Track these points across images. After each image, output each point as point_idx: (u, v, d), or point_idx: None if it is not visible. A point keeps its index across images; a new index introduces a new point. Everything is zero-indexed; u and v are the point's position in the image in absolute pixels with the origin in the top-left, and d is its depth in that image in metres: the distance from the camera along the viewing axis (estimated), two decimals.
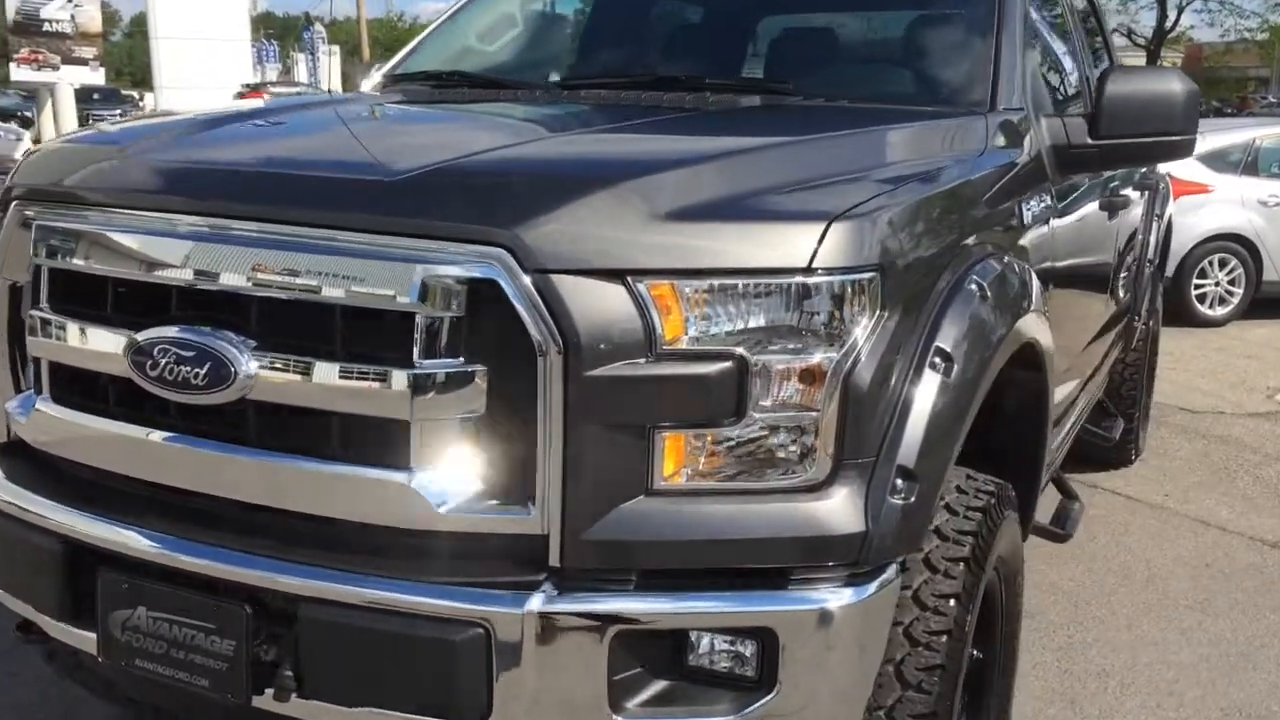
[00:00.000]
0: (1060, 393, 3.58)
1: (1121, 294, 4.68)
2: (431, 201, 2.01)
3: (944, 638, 2.23)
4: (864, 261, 2.03)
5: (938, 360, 2.15)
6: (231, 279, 2.05)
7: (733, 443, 2.00)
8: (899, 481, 2.06)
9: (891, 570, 2.10)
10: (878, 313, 2.06)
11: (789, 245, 1.98)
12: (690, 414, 1.96)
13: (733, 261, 1.97)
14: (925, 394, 2.12)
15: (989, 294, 2.34)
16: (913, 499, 2.06)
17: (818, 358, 2.00)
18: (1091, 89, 3.51)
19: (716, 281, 1.96)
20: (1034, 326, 2.70)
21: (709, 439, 1.99)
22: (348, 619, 1.95)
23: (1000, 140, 2.91)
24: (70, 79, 28.36)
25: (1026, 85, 3.16)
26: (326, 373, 1.98)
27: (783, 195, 2.10)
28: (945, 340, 2.18)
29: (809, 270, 1.98)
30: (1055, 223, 3.11)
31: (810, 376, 2.01)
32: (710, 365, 1.95)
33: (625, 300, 1.92)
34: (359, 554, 2.01)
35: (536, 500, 1.95)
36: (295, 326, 2.03)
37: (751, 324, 1.98)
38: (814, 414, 2.01)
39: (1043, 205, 2.94)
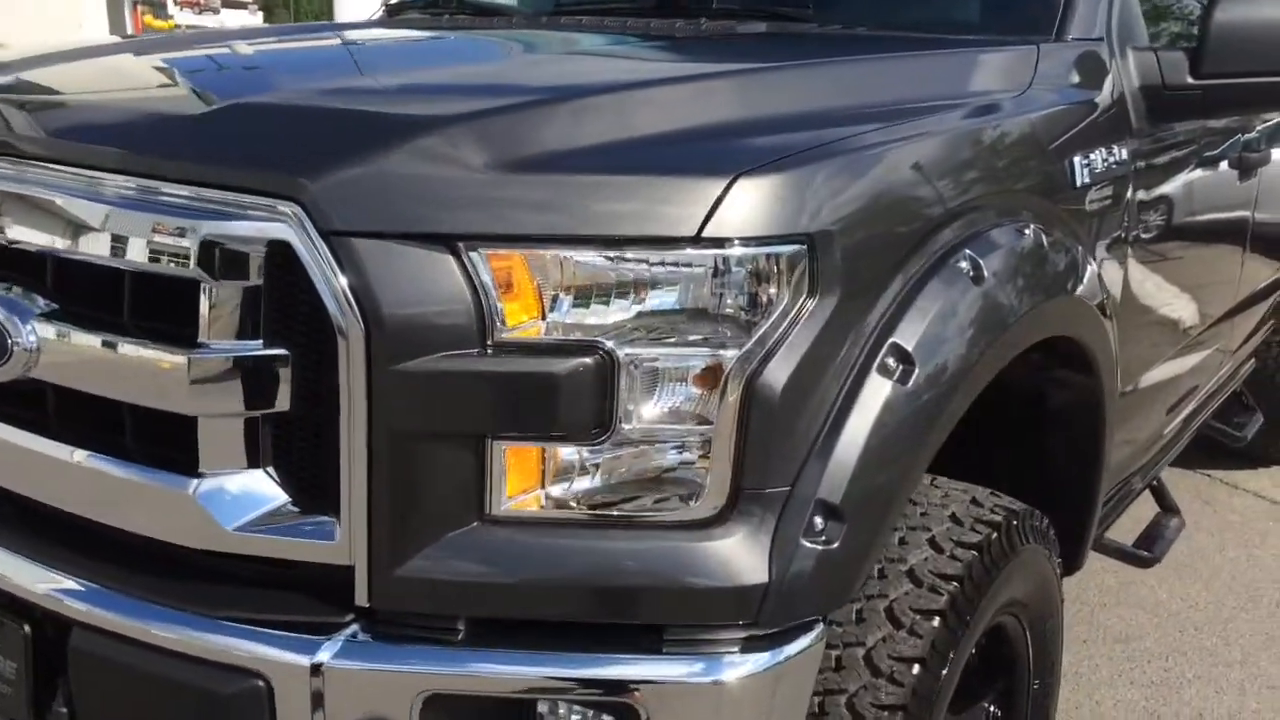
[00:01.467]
0: (1156, 375, 2.97)
1: (1264, 268, 3.95)
2: (221, 143, 1.61)
3: (899, 715, 1.74)
4: (783, 230, 1.54)
5: (892, 362, 1.64)
6: (17, 231, 1.70)
7: (597, 462, 1.55)
8: (818, 520, 1.57)
9: (811, 634, 1.61)
10: (804, 298, 1.57)
11: (674, 207, 1.50)
12: (539, 423, 1.51)
13: (600, 227, 1.50)
14: (869, 407, 1.61)
15: (990, 275, 1.80)
16: (836, 544, 1.57)
17: (712, 356, 1.53)
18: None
19: (577, 253, 1.50)
20: (1078, 316, 2.13)
21: (565, 456, 1.54)
22: (114, 653, 1.60)
23: (1056, 78, 2.32)
24: (230, 21, 29.09)
25: (1111, 9, 2.54)
26: (105, 351, 1.61)
27: (684, 142, 1.61)
28: (907, 336, 1.66)
29: (698, 240, 1.50)
30: (1138, 183, 2.49)
31: (702, 380, 1.54)
32: (566, 361, 1.50)
33: (453, 274, 1.49)
34: (146, 575, 1.65)
35: (341, 523, 1.54)
36: (83, 294, 1.67)
37: (623, 310, 1.52)
38: (706, 429, 1.54)
39: (1112, 162, 2.34)
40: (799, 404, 1.57)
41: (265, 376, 1.55)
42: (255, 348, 1.56)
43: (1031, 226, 1.97)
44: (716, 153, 1.57)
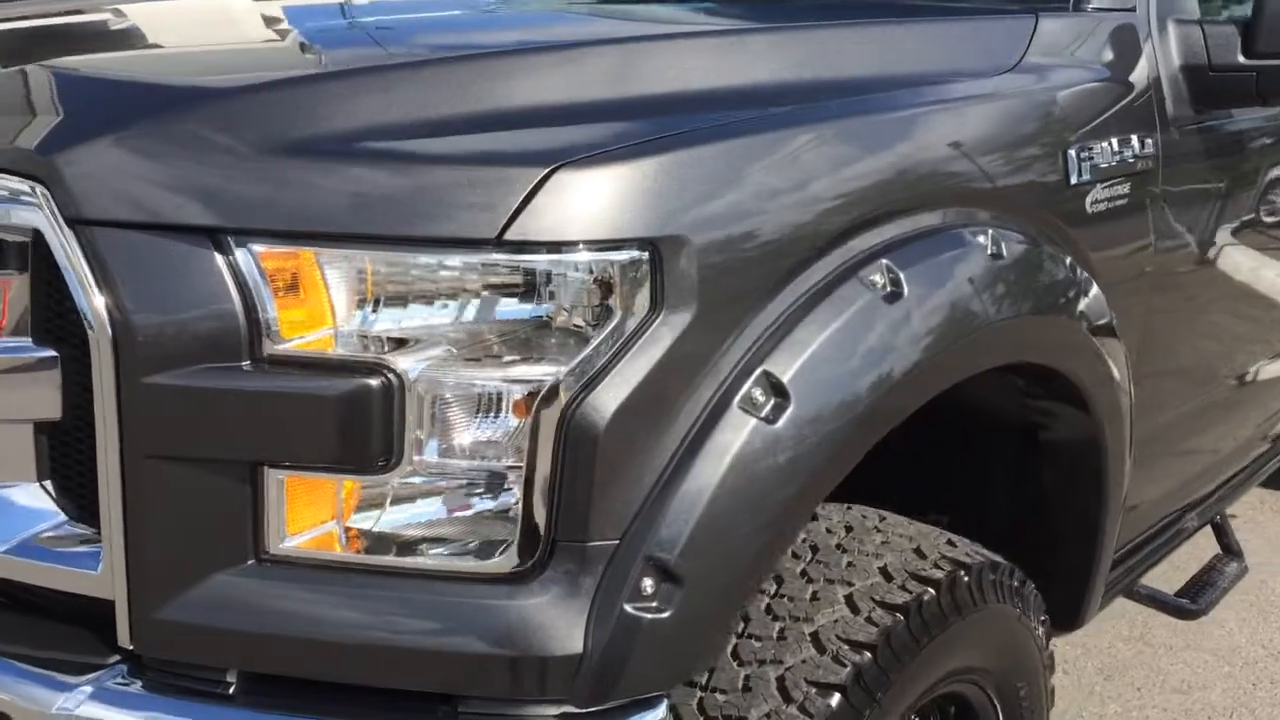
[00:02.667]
0: (1213, 397, 2.58)
1: None
2: None
3: None
4: (616, 233, 1.27)
5: (759, 395, 1.36)
6: None
7: (386, 500, 1.31)
8: (648, 583, 1.30)
9: (654, 713, 1.35)
10: (646, 315, 1.30)
11: (475, 204, 1.25)
12: (312, 451, 1.29)
13: (392, 225, 1.27)
14: (724, 448, 1.34)
15: (913, 292, 1.50)
16: (669, 612, 1.30)
17: (523, 381, 1.28)
18: None
19: (364, 254, 1.27)
20: (1059, 341, 1.80)
21: (350, 491, 1.31)
22: None
23: (1057, 54, 1.97)
24: None
25: None
26: None
27: (503, 126, 1.35)
28: (782, 363, 1.38)
29: (500, 243, 1.25)
30: (1170, 180, 2.12)
31: (512, 409, 1.29)
32: (343, 381, 1.27)
33: (218, 274, 1.27)
34: None
35: (104, 552, 1.35)
36: None
37: (415, 322, 1.28)
38: (515, 467, 1.29)
39: (1128, 155, 1.98)
40: (633, 441, 1.30)
41: (35, 380, 1.37)
42: (24, 347, 1.37)
43: (989, 233, 1.65)
44: (535, 139, 1.31)
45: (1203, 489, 2.93)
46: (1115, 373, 1.95)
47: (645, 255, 1.29)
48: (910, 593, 1.66)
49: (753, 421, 1.35)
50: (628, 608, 1.29)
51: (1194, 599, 2.71)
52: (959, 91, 1.71)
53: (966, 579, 1.74)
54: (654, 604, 1.30)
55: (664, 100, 1.45)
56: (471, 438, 1.29)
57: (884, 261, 1.49)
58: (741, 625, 1.63)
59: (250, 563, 1.33)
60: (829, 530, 1.80)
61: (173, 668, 1.36)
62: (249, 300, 1.27)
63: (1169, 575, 3.65)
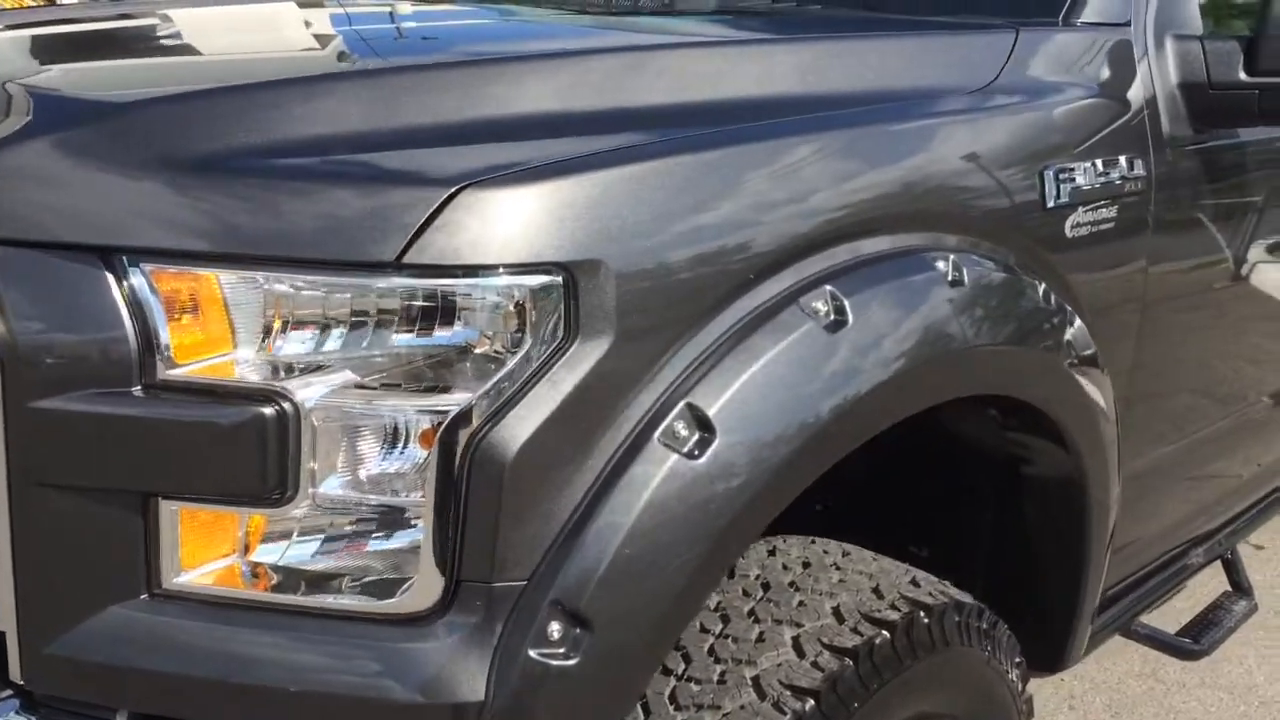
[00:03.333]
0: (1220, 426, 2.47)
1: None
2: None
3: None
4: (525, 258, 1.20)
5: (683, 429, 1.28)
6: None
7: (286, 534, 1.25)
8: (555, 628, 1.23)
9: None
10: (559, 343, 1.23)
11: (376, 225, 1.19)
12: (206, 482, 1.23)
13: (289, 247, 1.20)
14: (641, 485, 1.26)
15: (859, 320, 1.41)
16: (576, 660, 1.23)
17: (425, 411, 1.21)
18: None
19: (261, 275, 1.21)
20: (1031, 374, 1.71)
21: (247, 524, 1.25)
22: None
23: (1039, 70, 1.87)
24: None
25: None
26: None
27: (412, 143, 1.29)
28: (709, 396, 1.30)
29: (400, 267, 1.18)
30: (1164, 204, 2.02)
31: (410, 439, 1.22)
32: (237, 409, 1.21)
33: (108, 295, 1.22)
34: None
35: None
36: None
37: (315, 348, 1.22)
38: (417, 501, 1.22)
39: (1116, 176, 1.88)
40: (543, 476, 1.23)
41: None
42: None
43: (950, 258, 1.56)
44: (444, 158, 1.24)
45: (1210, 523, 2.81)
46: (1097, 406, 1.85)
47: (558, 280, 1.21)
48: (861, 635, 1.57)
49: (674, 457, 1.27)
50: (532, 654, 1.22)
51: (1196, 638, 2.59)
52: (925, 109, 1.62)
53: (926, 620, 1.65)
54: (560, 650, 1.23)
55: (596, 118, 1.38)
56: (371, 470, 1.22)
57: (829, 288, 1.41)
58: (682, 666, 1.55)
59: (143, 597, 1.27)
60: (785, 566, 1.72)
61: (64, 704, 1.30)
62: (142, 323, 1.21)
63: (1176, 612, 3.53)
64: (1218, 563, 2.92)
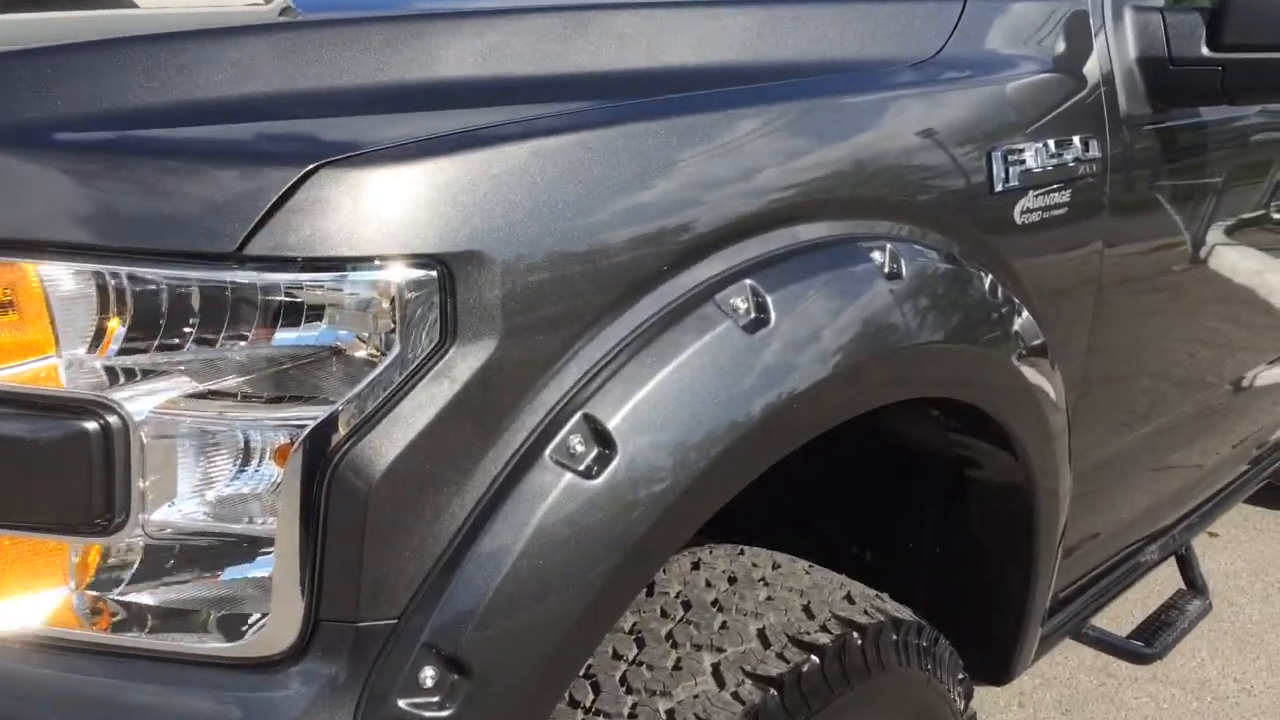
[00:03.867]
0: (1173, 420, 2.36)
1: None
2: None
3: None
4: (392, 248, 1.04)
5: (578, 444, 1.13)
6: None
7: (118, 565, 1.09)
8: (428, 673, 1.07)
9: None
10: (434, 347, 1.07)
11: (215, 212, 1.02)
12: (18, 507, 1.06)
13: (121, 235, 1.03)
14: (530, 508, 1.10)
15: (781, 317, 1.26)
16: (452, 709, 1.07)
17: (273, 426, 1.05)
18: None
19: (88, 267, 1.04)
20: (982, 372, 1.57)
21: (68, 555, 1.09)
22: None
23: (989, 42, 1.73)
24: None
25: None
26: None
27: (267, 115, 1.12)
28: (609, 407, 1.14)
29: (242, 259, 1.01)
30: (1120, 188, 1.88)
31: (260, 458, 1.06)
32: (53, 423, 1.04)
33: None
34: None
35: None
36: None
37: (145, 354, 1.05)
38: (268, 528, 1.06)
39: (1068, 159, 1.74)
40: (414, 500, 1.07)
41: None
42: None
43: (887, 248, 1.41)
44: (301, 132, 1.07)
45: (1168, 517, 2.70)
46: (1046, 402, 1.72)
47: (431, 275, 1.05)
48: (788, 662, 1.44)
49: (567, 476, 1.12)
50: (402, 704, 1.07)
51: (1149, 641, 2.48)
52: (859, 84, 1.46)
53: (860, 642, 1.52)
54: (435, 699, 1.07)
55: (497, 87, 1.21)
56: (215, 492, 1.06)
57: (749, 283, 1.25)
58: (591, 696, 1.41)
59: None
60: (708, 583, 1.58)
61: None
62: None
63: (1128, 607, 3.43)
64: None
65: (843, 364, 1.29)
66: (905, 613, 1.65)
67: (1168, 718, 3.20)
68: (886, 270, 1.40)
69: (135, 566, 1.08)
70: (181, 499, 1.06)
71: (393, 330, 1.05)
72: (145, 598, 1.09)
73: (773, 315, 1.25)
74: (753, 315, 1.24)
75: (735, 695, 1.38)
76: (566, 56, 1.29)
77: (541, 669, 1.12)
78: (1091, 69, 1.85)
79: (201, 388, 1.05)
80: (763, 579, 1.59)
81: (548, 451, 1.12)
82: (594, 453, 1.13)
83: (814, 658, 1.45)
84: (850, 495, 1.99)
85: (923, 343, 1.41)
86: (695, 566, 1.62)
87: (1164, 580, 3.14)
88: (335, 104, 1.14)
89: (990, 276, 1.59)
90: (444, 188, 1.06)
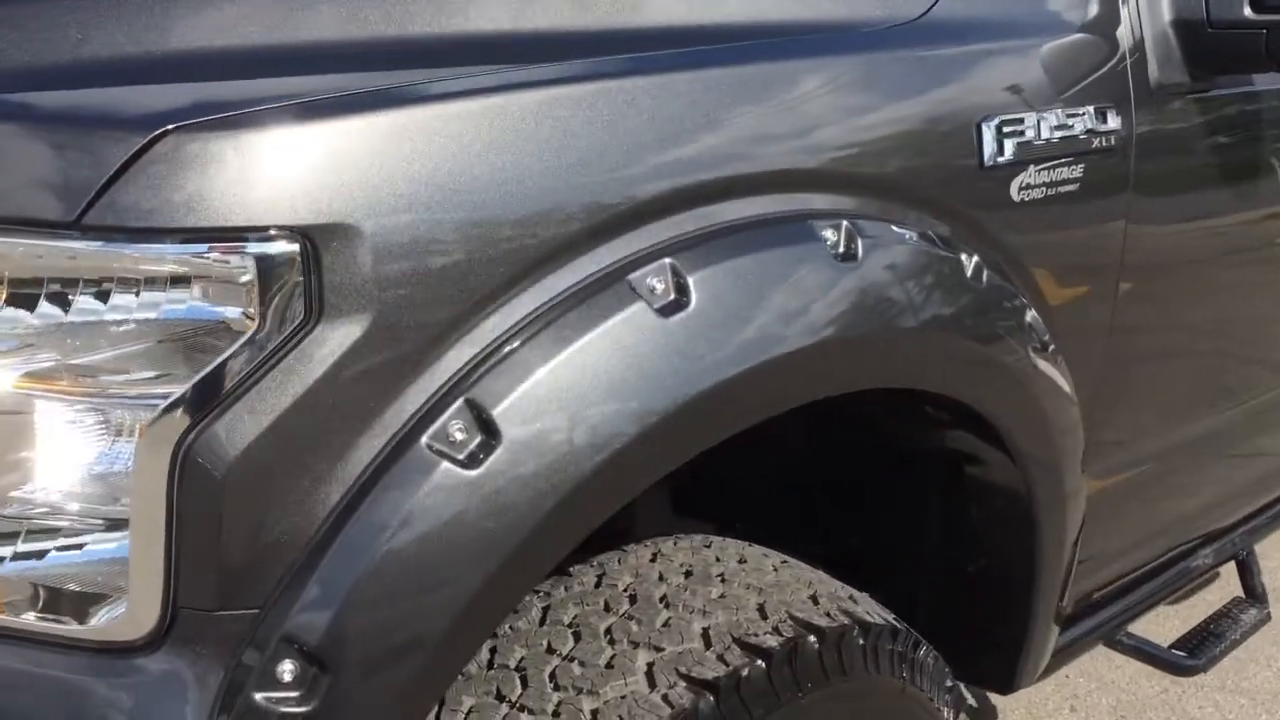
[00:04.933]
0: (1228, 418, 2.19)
1: None
2: None
3: None
4: (247, 220, 0.98)
5: (458, 431, 1.06)
6: None
7: None
8: (287, 667, 1.02)
9: None
10: (297, 325, 1.01)
11: (59, 176, 0.97)
12: None
13: None
14: (399, 498, 1.04)
15: (703, 299, 1.17)
16: (312, 705, 1.02)
17: (126, 402, 1.00)
18: None
19: None
20: (963, 365, 1.45)
21: None
22: None
23: (995, 3, 1.59)
24: None
25: None
26: None
27: (127, 80, 1.06)
28: (495, 391, 1.07)
29: (83, 227, 0.97)
30: (1147, 163, 1.73)
31: (114, 435, 1.01)
32: None
33: None
34: None
35: None
36: None
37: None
38: (117, 509, 1.02)
39: (1079, 131, 1.60)
40: (279, 484, 1.02)
41: None
42: None
43: (842, 226, 1.30)
44: (153, 95, 1.02)
45: (1224, 518, 2.51)
46: (1046, 395, 1.58)
47: (292, 249, 0.99)
48: (728, 665, 1.35)
49: (443, 465, 1.05)
50: (258, 697, 1.01)
51: (1193, 652, 2.31)
52: (822, 45, 1.35)
53: (817, 646, 1.42)
54: (294, 694, 1.02)
55: (371, 47, 1.13)
56: (66, 471, 1.02)
57: (668, 261, 1.16)
58: (518, 691, 1.34)
59: None
60: (661, 576, 1.49)
61: None
62: None
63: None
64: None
65: (768, 355, 1.19)
66: (878, 616, 1.54)
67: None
68: (840, 251, 1.29)
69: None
70: (36, 476, 1.02)
71: (248, 307, 0.99)
72: (7, 577, 1.05)
73: (693, 298, 1.16)
74: (670, 298, 1.15)
75: (665, 698, 1.30)
76: (475, 11, 1.20)
77: (409, 670, 1.05)
78: (1116, 33, 1.69)
79: (54, 363, 1.00)
80: (721, 575, 1.51)
81: (425, 438, 1.05)
82: (476, 440, 1.06)
83: (759, 661, 1.36)
84: (850, 487, 1.88)
85: (878, 331, 1.30)
86: (653, 558, 1.54)
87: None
88: (199, 64, 1.08)
89: (976, 258, 1.46)
90: (306, 155, 0.99)
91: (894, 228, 1.38)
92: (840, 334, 1.26)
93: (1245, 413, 2.29)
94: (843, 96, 1.34)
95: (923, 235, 1.41)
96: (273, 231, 0.98)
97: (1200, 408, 2.14)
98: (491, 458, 1.06)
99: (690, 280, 1.16)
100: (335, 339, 1.01)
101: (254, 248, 0.98)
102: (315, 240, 0.99)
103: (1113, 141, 1.65)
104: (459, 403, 1.06)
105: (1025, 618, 1.78)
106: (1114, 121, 1.65)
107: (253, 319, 0.99)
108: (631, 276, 1.14)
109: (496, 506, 1.05)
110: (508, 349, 1.08)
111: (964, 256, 1.45)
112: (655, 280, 1.15)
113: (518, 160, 1.08)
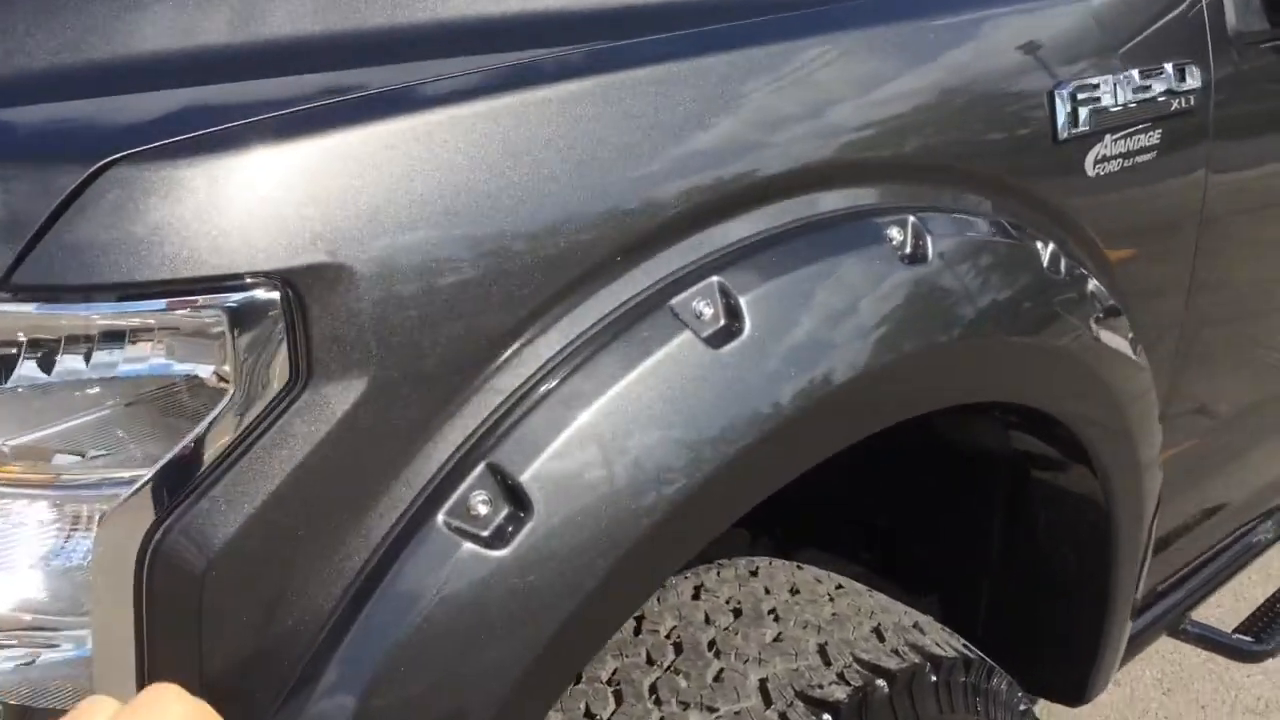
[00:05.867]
0: None
1: None
2: None
3: None
4: (214, 268, 0.80)
5: (480, 503, 0.88)
6: None
7: None
8: None
9: None
10: (281, 389, 0.83)
11: None
12: None
13: None
14: (415, 590, 0.87)
15: (757, 327, 0.99)
16: None
17: (78, 492, 0.83)
18: None
19: None
20: (1042, 371, 1.28)
21: None
22: None
23: None
24: None
25: None
26: None
27: (70, 96, 0.87)
28: (522, 453, 0.89)
29: (10, 288, 0.79)
30: (1225, 127, 1.55)
31: (65, 531, 0.84)
32: None
33: None
34: None
35: None
36: None
37: None
38: (71, 619, 0.85)
39: (1158, 92, 1.41)
40: (268, 583, 0.85)
41: None
42: None
43: (908, 222, 1.12)
44: (82, 121, 0.83)
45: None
46: (1125, 396, 1.41)
47: (271, 298, 0.81)
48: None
49: (466, 546, 0.88)
50: None
51: (1259, 636, 2.16)
52: (861, 13, 1.15)
53: (887, 692, 1.26)
54: None
55: (380, 38, 0.94)
56: (20, 572, 0.85)
57: (715, 280, 0.98)
58: None
59: None
60: (708, 618, 1.33)
61: None
62: None
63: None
64: None
65: (837, 383, 1.01)
66: (949, 646, 1.38)
67: None
68: (907, 251, 1.11)
69: None
70: None
71: (220, 366, 0.81)
72: None
73: (746, 323, 0.98)
74: (720, 323, 0.97)
75: None
76: None
77: None
78: None
79: None
80: (773, 611, 1.34)
81: (441, 514, 0.88)
82: (503, 514, 0.89)
83: (826, 717, 1.20)
84: (906, 490, 1.72)
85: (954, 343, 1.12)
86: (696, 594, 1.38)
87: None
88: (146, 73, 0.89)
89: (1052, 246, 1.29)
90: (283, 183, 0.81)
91: (963, 218, 1.20)
92: (916, 349, 1.09)
93: None
94: (895, 70, 1.15)
95: (994, 224, 1.23)
96: (247, 279, 0.80)
97: (1272, 366, 1.97)
98: (521, 534, 0.88)
99: (742, 301, 0.98)
100: (328, 403, 0.84)
101: (225, 299, 0.80)
102: (299, 286, 0.81)
103: (1192, 102, 1.47)
104: (480, 468, 0.88)
105: (1100, 627, 1.62)
106: (1193, 79, 1.47)
107: (227, 384, 0.82)
108: (674, 301, 0.96)
109: (532, 591, 0.88)
110: (533, 399, 0.91)
111: (1041, 245, 1.27)
112: (702, 304, 0.97)
113: (535, 171, 0.90)
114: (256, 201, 0.80)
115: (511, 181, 0.89)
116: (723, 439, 0.95)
